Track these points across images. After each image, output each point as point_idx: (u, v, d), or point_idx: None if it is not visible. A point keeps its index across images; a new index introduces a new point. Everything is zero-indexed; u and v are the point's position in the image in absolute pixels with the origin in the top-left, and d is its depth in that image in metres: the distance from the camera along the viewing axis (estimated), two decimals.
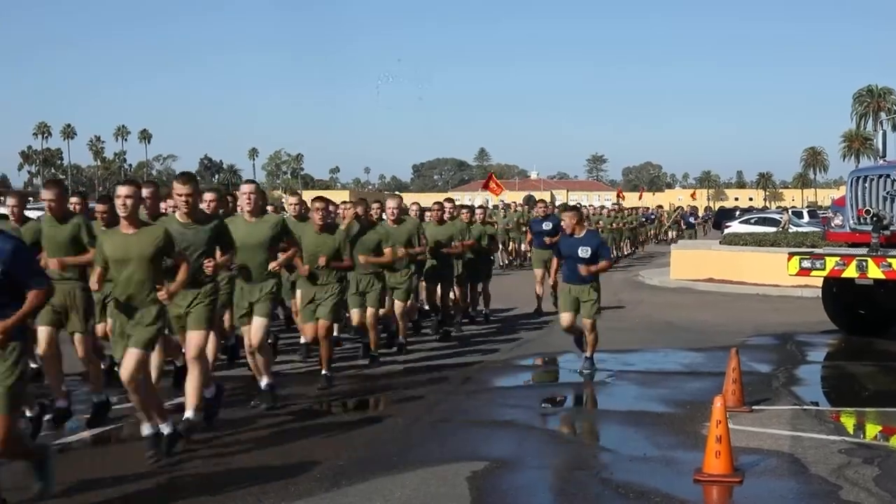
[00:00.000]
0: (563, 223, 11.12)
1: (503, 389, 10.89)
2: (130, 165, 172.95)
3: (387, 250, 11.57)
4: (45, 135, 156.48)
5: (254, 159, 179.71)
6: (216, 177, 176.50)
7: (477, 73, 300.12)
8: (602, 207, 36.68)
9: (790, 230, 31.04)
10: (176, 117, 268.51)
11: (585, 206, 37.42)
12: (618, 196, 51.03)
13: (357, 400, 10.21)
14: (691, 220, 41.50)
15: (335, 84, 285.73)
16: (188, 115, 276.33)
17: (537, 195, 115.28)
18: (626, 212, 38.27)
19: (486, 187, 32.09)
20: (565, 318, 11.13)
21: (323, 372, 10.35)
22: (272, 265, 9.14)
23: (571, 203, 39.43)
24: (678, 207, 67.85)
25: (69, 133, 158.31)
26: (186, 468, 7.34)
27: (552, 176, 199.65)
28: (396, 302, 12.46)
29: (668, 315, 17.31)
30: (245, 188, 9.32)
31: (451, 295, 14.71)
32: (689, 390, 10.37)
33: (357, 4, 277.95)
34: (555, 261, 11.54)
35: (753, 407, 9.24)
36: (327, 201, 10.75)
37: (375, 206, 12.68)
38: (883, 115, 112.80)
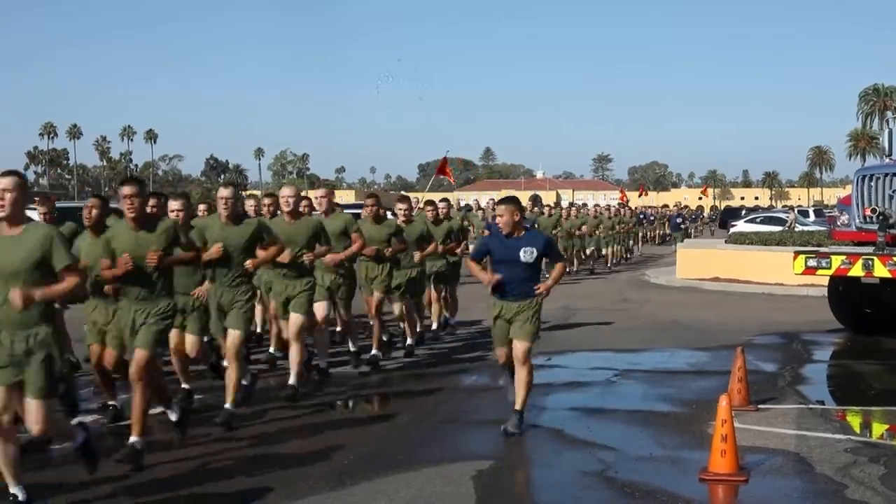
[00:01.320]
0: (498, 220, 8.51)
1: (507, 388, 10.84)
2: (136, 165, 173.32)
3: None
4: (51, 135, 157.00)
5: (259, 159, 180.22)
6: (222, 176, 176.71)
7: (482, 72, 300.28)
8: (607, 207, 35.93)
9: (796, 229, 30.98)
10: (182, 117, 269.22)
11: (588, 206, 36.82)
12: (621, 197, 47.85)
13: (361, 399, 10.21)
14: (678, 220, 37.20)
15: (337, 84, 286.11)
16: (194, 115, 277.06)
17: (543, 195, 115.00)
18: (623, 212, 36.76)
19: (441, 172, 28.48)
20: (503, 351, 8.66)
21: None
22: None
23: (579, 203, 38.08)
24: (684, 207, 67.71)
25: (75, 133, 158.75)
26: (191, 465, 7.35)
27: (558, 175, 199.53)
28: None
29: (673, 314, 17.29)
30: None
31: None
32: (694, 389, 10.36)
33: (358, 4, 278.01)
34: (473, 266, 8.83)
35: (759, 406, 9.22)
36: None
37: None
38: (889, 113, 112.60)
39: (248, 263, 8.88)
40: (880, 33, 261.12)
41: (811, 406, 9.52)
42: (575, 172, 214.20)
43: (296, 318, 9.79)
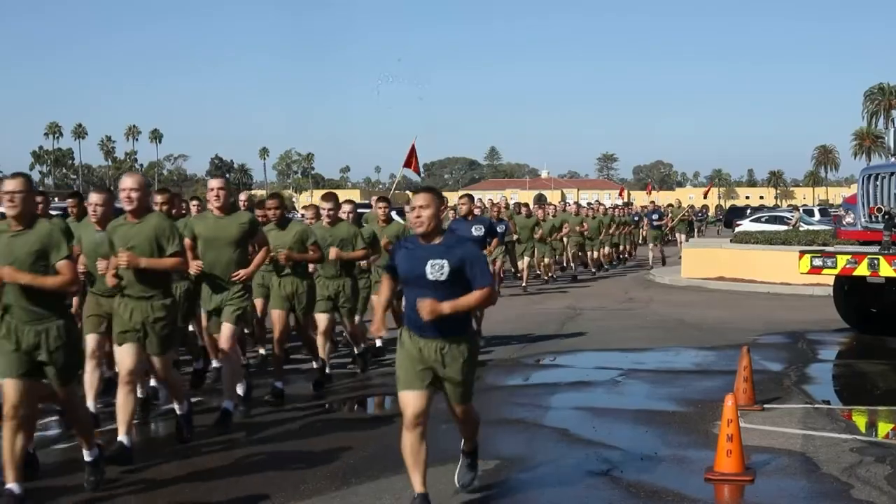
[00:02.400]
0: (413, 219, 6.13)
1: (512, 388, 10.86)
2: (141, 165, 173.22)
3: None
4: (57, 135, 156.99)
5: (264, 159, 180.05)
6: (227, 176, 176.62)
7: (488, 72, 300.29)
8: (597, 205, 32.16)
9: (801, 228, 30.94)
10: (187, 117, 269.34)
11: (590, 204, 32.67)
12: (620, 195, 40.82)
13: (366, 399, 10.22)
14: (654, 217, 31.16)
15: (342, 83, 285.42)
16: (199, 114, 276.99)
17: (548, 194, 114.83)
18: (623, 211, 34.24)
19: (407, 165, 23.94)
20: (411, 402, 6.06)
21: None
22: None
23: (583, 203, 36.08)
24: (690, 206, 67.15)
25: (80, 133, 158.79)
26: (195, 467, 7.35)
27: (563, 175, 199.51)
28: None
29: (678, 313, 17.28)
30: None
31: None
32: (699, 389, 10.34)
33: (362, 2, 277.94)
34: (384, 286, 6.49)
35: (765, 405, 9.21)
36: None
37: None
38: (894, 112, 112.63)
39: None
40: (886, 32, 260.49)
41: (817, 406, 9.51)
42: (580, 172, 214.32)
43: (226, 328, 8.71)
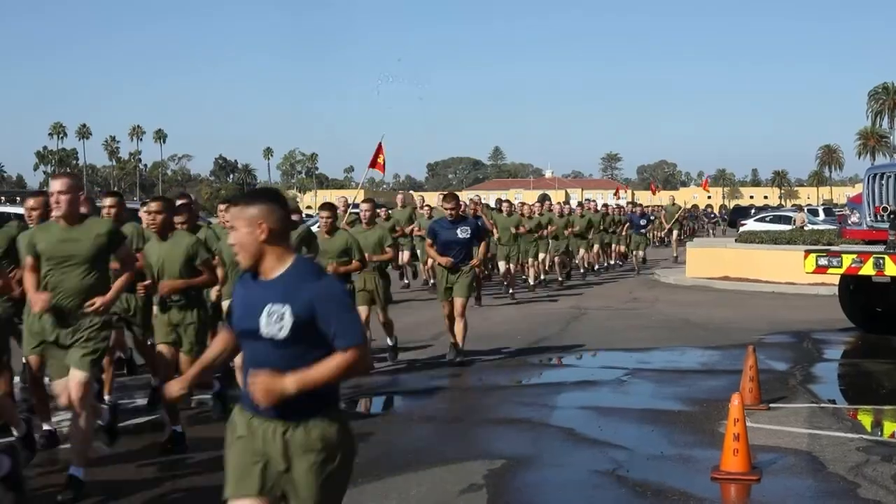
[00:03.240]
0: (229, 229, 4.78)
1: (518, 387, 10.86)
2: (146, 165, 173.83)
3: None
4: (61, 135, 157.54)
5: (269, 159, 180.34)
6: (231, 176, 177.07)
7: (491, 71, 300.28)
8: (584, 204, 28.63)
9: (806, 228, 30.89)
10: (191, 117, 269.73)
11: (590, 203, 29.26)
12: (616, 194, 33.88)
13: (372, 398, 10.22)
14: (640, 222, 28.19)
15: (346, 83, 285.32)
16: (203, 114, 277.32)
17: (552, 194, 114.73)
18: (616, 211, 30.08)
19: (373, 165, 22.28)
20: None
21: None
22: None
23: (587, 202, 32.09)
24: (692, 206, 66.59)
25: (84, 133, 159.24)
26: (201, 467, 7.35)
27: (567, 175, 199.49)
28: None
29: (683, 313, 17.26)
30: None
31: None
32: (705, 388, 10.34)
33: (360, 3, 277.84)
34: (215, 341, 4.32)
35: (770, 405, 9.21)
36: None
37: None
38: None
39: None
40: (890, 31, 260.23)
41: (823, 405, 9.50)
42: (584, 171, 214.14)
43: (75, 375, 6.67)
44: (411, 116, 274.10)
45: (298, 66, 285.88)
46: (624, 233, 29.04)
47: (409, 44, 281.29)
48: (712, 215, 67.18)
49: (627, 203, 38.74)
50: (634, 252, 28.38)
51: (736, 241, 26.74)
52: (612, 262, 29.06)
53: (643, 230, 28.32)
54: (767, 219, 44.51)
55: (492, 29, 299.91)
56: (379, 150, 20.21)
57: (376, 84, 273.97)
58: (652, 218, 28.87)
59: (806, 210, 46.06)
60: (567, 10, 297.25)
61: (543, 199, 50.67)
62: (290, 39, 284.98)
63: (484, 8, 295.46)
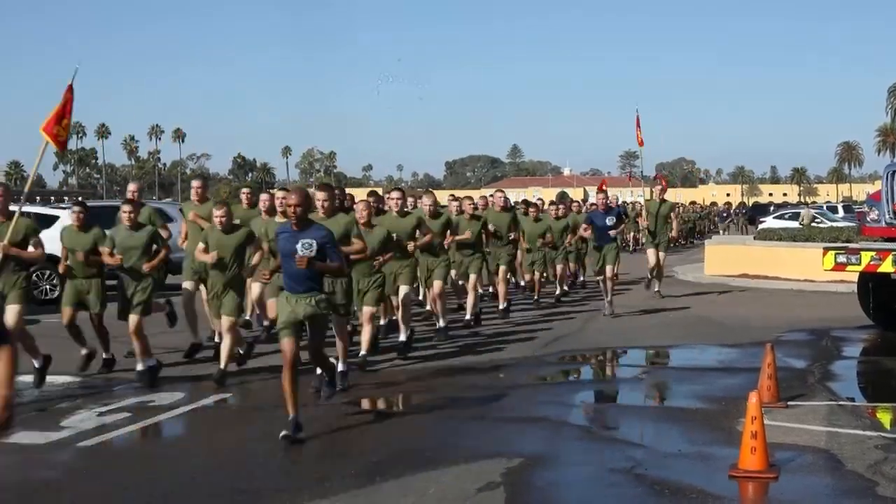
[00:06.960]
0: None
1: (536, 385, 10.87)
2: (164, 164, 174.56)
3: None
4: (80, 134, 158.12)
5: (287, 157, 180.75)
6: (249, 175, 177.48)
7: (510, 69, 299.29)
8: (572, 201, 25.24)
9: (811, 225, 30.75)
10: (209, 116, 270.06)
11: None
12: (600, 189, 25.21)
13: (390, 396, 10.25)
14: (607, 222, 17.20)
15: (365, 82, 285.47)
16: (221, 113, 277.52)
17: (570, 192, 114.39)
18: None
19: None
20: None
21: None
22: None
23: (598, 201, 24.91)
24: (712, 203, 65.27)
25: (103, 133, 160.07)
26: (219, 466, 7.40)
27: (585, 172, 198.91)
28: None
29: (702, 310, 17.23)
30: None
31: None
32: (723, 386, 10.33)
33: (360, 3, 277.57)
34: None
35: (789, 403, 9.19)
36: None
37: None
38: None
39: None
40: None
41: (841, 403, 9.48)
42: (602, 169, 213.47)
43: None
44: (433, 114, 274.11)
45: (314, 64, 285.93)
46: (570, 243, 19.85)
47: (419, 41, 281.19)
48: (725, 214, 65.21)
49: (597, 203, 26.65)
50: (595, 268, 17.16)
51: (755, 238, 26.67)
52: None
53: (611, 236, 16.83)
54: (786, 216, 44.39)
55: (492, 29, 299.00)
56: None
57: (376, 84, 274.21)
58: (621, 213, 18.46)
59: (825, 207, 45.82)
60: (567, 10, 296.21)
61: (562, 197, 50.17)
62: (300, 36, 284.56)
63: (484, 8, 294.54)
